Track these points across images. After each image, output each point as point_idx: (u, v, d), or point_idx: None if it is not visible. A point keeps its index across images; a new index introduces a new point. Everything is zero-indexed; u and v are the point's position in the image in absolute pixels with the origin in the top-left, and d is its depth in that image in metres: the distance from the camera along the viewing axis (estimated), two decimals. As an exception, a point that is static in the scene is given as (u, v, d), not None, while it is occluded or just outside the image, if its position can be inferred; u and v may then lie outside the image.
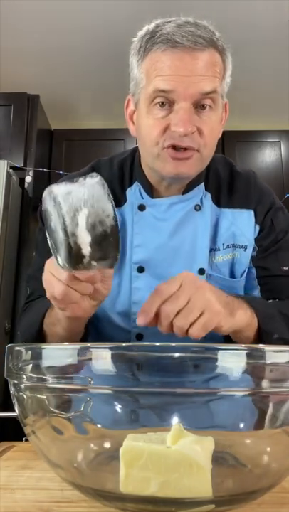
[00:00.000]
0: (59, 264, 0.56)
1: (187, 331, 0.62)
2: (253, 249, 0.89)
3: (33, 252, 0.98)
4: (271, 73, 2.66)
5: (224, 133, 2.83)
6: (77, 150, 2.70)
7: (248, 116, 2.88)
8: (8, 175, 2.19)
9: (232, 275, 0.88)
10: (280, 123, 2.86)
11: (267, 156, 2.78)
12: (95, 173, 0.56)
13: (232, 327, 0.68)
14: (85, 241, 0.53)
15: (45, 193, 0.56)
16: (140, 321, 0.63)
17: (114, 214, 0.54)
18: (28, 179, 2.38)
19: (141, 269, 0.85)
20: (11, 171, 2.23)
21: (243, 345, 0.42)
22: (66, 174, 0.99)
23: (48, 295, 0.63)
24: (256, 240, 0.88)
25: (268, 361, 0.41)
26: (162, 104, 0.75)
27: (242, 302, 0.73)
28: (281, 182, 2.69)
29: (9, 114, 2.46)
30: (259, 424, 0.44)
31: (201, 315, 0.62)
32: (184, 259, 0.85)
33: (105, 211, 0.53)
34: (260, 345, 0.42)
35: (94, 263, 0.55)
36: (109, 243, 0.54)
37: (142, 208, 0.86)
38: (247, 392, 0.42)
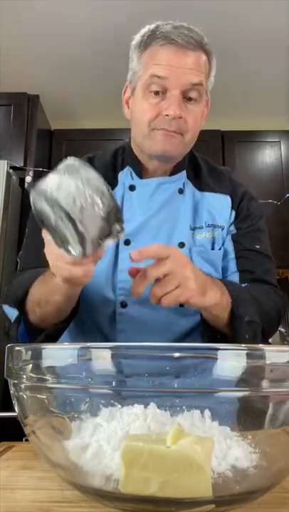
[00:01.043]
0: (73, 254, 0.58)
1: (160, 298, 0.70)
2: (232, 230, 0.99)
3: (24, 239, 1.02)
4: (271, 73, 2.65)
5: (224, 133, 2.85)
6: (77, 150, 2.68)
7: (248, 116, 2.88)
8: (8, 175, 2.18)
9: (212, 250, 0.98)
10: (280, 123, 2.86)
11: (267, 156, 2.78)
12: (68, 157, 0.58)
13: (200, 305, 0.76)
14: (93, 224, 0.55)
15: (33, 194, 0.59)
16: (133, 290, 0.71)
17: (108, 189, 0.56)
18: (28, 179, 2.38)
19: (127, 242, 0.93)
20: (11, 171, 2.23)
21: (243, 345, 0.42)
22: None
23: (58, 279, 0.68)
24: (235, 223, 0.99)
25: (268, 361, 0.41)
26: (156, 92, 0.86)
27: (217, 285, 0.80)
28: (281, 182, 2.69)
29: (9, 114, 2.45)
30: (259, 424, 0.44)
31: (176, 288, 0.70)
32: (166, 234, 0.94)
33: (99, 189, 0.56)
34: (260, 345, 0.42)
35: (101, 242, 0.58)
36: (114, 218, 0.57)
37: (132, 188, 0.97)
38: (247, 392, 0.42)
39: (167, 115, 0.85)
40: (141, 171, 0.97)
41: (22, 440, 0.72)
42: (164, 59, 0.85)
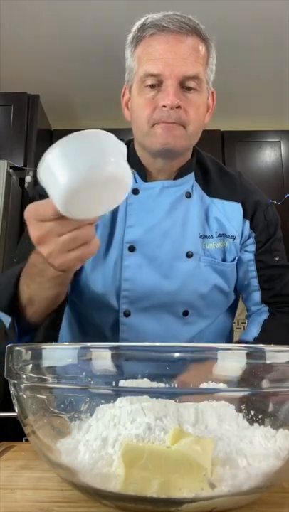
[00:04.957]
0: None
1: None
2: (252, 247, 0.96)
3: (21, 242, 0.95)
4: (271, 73, 2.65)
5: (224, 133, 2.85)
6: (77, 150, 2.69)
7: (248, 116, 2.88)
8: (8, 175, 2.18)
9: (224, 261, 0.94)
10: (280, 123, 2.86)
11: (267, 156, 2.78)
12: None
13: None
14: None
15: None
16: None
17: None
18: (28, 179, 2.38)
19: (132, 249, 0.90)
20: (11, 171, 2.23)
21: (243, 345, 0.42)
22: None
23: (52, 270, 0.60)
24: (255, 237, 0.96)
25: (268, 361, 0.41)
26: (152, 86, 0.83)
27: None
28: (281, 182, 2.68)
29: (9, 114, 2.46)
30: (259, 424, 0.44)
31: None
32: (173, 241, 0.90)
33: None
34: (260, 345, 0.42)
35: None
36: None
37: (135, 191, 0.92)
38: (247, 392, 0.42)
39: (164, 106, 0.81)
40: (145, 174, 0.93)
41: (22, 440, 0.72)
42: (157, 52, 0.82)
